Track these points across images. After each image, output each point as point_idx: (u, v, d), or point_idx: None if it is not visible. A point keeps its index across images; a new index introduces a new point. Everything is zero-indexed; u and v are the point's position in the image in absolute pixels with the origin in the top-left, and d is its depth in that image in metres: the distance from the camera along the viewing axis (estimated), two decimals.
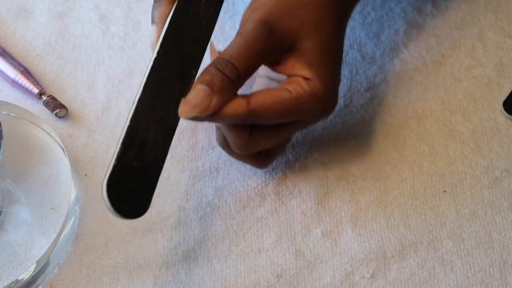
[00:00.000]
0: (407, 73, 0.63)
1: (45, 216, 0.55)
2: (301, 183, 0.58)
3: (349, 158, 0.59)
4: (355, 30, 0.65)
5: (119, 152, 0.48)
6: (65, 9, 0.67)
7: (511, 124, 0.61)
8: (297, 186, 0.58)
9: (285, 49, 0.52)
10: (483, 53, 0.64)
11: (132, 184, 0.48)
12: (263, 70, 0.58)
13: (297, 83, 0.52)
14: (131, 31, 0.66)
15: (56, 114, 0.61)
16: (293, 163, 0.59)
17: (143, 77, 0.50)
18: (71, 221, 0.56)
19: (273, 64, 0.53)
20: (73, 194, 0.56)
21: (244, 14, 0.53)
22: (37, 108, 0.61)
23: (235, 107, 0.50)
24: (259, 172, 0.59)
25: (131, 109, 0.49)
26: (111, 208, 0.47)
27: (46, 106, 0.61)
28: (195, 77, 0.51)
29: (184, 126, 0.61)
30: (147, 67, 0.50)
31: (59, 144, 0.58)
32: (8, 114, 0.59)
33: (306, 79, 0.52)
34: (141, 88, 0.50)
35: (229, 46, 0.51)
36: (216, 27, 0.64)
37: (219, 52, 0.53)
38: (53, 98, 0.61)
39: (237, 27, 0.53)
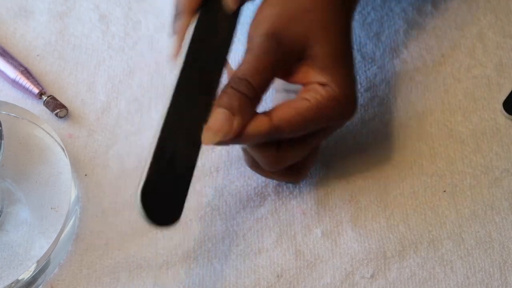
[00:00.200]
0: (407, 73, 0.63)
1: (45, 216, 0.55)
2: (301, 183, 0.58)
3: (349, 158, 0.59)
4: (355, 30, 0.65)
5: (151, 163, 0.48)
6: (65, 9, 0.67)
7: (511, 124, 0.61)
8: (297, 186, 0.58)
9: (296, 58, 0.52)
10: (483, 53, 0.64)
11: (164, 193, 0.49)
12: (279, 84, 0.58)
13: (314, 90, 0.51)
14: (131, 31, 0.66)
15: (56, 114, 0.61)
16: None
17: (172, 90, 0.50)
18: (71, 221, 0.56)
19: (287, 75, 0.53)
20: (73, 194, 0.56)
21: (250, 28, 0.53)
22: (37, 108, 0.61)
23: (258, 125, 0.50)
24: None
25: (160, 122, 0.49)
26: (145, 216, 0.47)
27: (46, 106, 0.61)
28: (218, 88, 0.51)
29: None
30: (175, 80, 0.51)
31: (59, 144, 0.58)
32: (8, 114, 0.59)
33: (322, 84, 0.51)
34: (170, 100, 0.50)
35: (241, 64, 0.51)
36: None
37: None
38: (53, 98, 0.61)
39: (241, 37, 0.53)
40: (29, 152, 0.58)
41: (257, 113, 0.51)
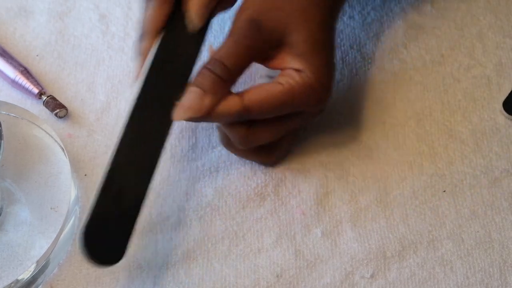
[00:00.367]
0: (406, 73, 0.63)
1: (45, 216, 0.55)
2: (301, 183, 0.58)
3: (349, 158, 0.59)
4: (355, 30, 0.65)
5: (97, 198, 0.49)
6: (65, 9, 0.67)
7: (511, 124, 0.61)
8: (297, 186, 0.58)
9: (274, 44, 0.53)
10: (482, 53, 0.64)
11: (108, 232, 0.49)
12: (262, 70, 0.59)
13: (289, 75, 0.53)
14: (131, 31, 0.66)
15: (56, 114, 0.61)
16: (293, 163, 0.59)
17: (125, 118, 0.51)
18: (71, 221, 0.56)
19: (266, 60, 0.54)
20: (73, 194, 0.56)
21: (235, 14, 0.54)
22: (37, 108, 0.61)
23: (229, 105, 0.51)
24: (259, 172, 0.59)
25: (112, 153, 0.50)
26: (87, 256, 0.48)
27: (46, 106, 0.61)
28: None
29: (184, 126, 0.61)
30: (130, 106, 0.51)
31: (59, 144, 0.58)
32: (8, 114, 0.59)
33: (297, 70, 0.53)
34: (123, 130, 0.50)
35: (220, 47, 0.53)
36: (216, 28, 0.64)
37: None
38: (53, 98, 0.61)
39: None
40: (28, 152, 0.58)
41: (231, 92, 0.52)
